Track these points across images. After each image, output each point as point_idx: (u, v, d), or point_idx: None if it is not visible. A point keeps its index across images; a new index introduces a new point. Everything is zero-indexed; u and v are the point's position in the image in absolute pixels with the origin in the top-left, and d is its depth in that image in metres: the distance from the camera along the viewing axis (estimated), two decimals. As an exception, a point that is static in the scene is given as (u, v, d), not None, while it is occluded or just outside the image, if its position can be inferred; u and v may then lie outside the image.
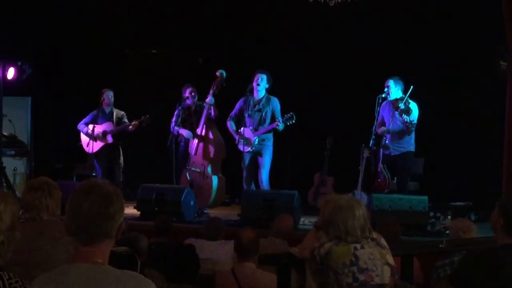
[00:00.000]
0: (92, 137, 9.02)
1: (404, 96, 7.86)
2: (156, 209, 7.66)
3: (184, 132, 8.66)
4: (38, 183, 3.69)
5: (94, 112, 9.15)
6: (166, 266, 4.83)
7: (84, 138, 9.21)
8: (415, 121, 7.83)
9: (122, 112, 9.24)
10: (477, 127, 9.00)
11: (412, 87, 7.78)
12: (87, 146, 9.16)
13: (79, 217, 2.16)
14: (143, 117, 8.86)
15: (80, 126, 9.15)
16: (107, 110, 9.18)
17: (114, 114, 9.17)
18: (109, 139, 9.07)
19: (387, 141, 8.00)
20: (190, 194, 7.93)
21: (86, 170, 10.05)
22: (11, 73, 9.55)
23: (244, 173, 8.34)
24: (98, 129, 9.06)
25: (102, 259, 2.18)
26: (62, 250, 3.35)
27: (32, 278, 2.42)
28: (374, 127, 7.98)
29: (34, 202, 3.59)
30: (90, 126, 9.03)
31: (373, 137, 7.96)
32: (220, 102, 8.64)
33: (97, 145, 9.09)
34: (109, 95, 9.15)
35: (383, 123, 8.05)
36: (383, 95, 7.96)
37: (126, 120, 9.16)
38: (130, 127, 8.97)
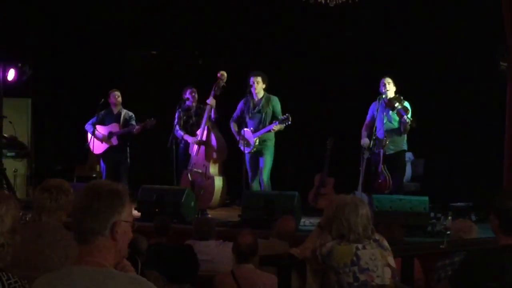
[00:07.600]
0: (98, 138, 8.91)
1: (397, 95, 7.85)
2: (156, 210, 7.65)
3: (189, 139, 8.63)
4: (49, 184, 3.61)
5: (102, 112, 8.98)
6: (166, 266, 4.83)
7: (90, 139, 8.99)
8: None
9: (131, 114, 9.04)
10: (477, 128, 8.99)
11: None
12: (93, 146, 8.97)
13: (72, 215, 2.24)
14: (147, 120, 8.70)
15: (87, 126, 9.01)
16: (115, 110, 9.03)
17: (122, 115, 9.02)
18: (114, 141, 8.92)
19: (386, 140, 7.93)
20: (191, 195, 7.91)
21: (86, 172, 10.05)
22: (11, 74, 9.57)
23: (249, 174, 8.30)
24: (103, 130, 8.94)
25: (101, 259, 2.17)
26: (61, 253, 3.33)
27: (30, 280, 2.41)
28: (374, 129, 7.95)
29: (38, 203, 3.56)
30: (98, 127, 8.90)
31: (374, 138, 7.93)
32: (222, 102, 8.63)
33: (102, 146, 8.98)
34: (115, 96, 8.97)
35: (372, 124, 7.98)
36: (384, 96, 7.93)
37: (134, 122, 8.95)
38: (135, 130, 8.84)
